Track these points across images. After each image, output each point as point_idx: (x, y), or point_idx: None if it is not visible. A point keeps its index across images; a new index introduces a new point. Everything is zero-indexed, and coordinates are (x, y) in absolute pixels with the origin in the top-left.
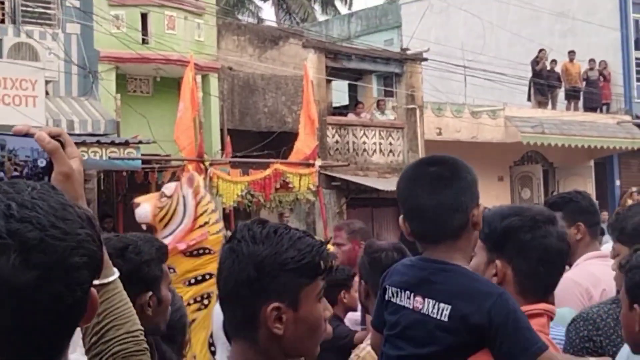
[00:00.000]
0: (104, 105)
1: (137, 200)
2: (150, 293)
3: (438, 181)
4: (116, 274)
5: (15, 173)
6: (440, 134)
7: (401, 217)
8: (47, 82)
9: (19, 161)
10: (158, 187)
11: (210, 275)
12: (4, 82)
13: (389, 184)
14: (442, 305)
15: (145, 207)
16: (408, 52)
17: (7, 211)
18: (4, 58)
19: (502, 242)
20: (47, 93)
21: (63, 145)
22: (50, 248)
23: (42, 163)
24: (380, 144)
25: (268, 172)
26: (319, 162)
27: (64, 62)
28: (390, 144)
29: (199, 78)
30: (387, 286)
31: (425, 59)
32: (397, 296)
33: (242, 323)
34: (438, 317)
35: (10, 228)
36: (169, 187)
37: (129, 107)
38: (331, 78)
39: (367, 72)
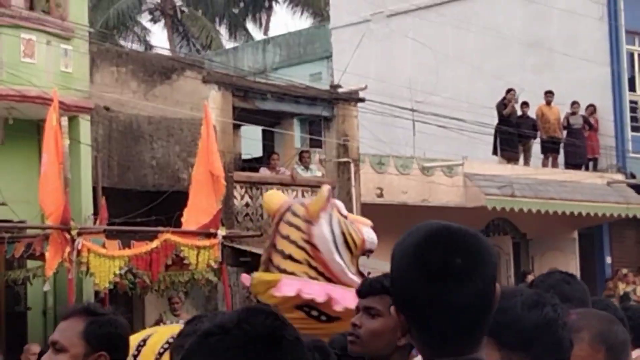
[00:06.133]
0: None
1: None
2: None
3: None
4: None
5: None
6: (381, 195)
7: (395, 317)
8: None
9: None
10: (8, 263)
11: None
12: None
13: None
14: None
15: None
16: (340, 90)
17: None
18: None
19: (529, 341)
20: None
21: None
22: None
23: None
24: None
25: (156, 244)
26: (222, 232)
27: None
28: None
29: (64, 120)
30: None
31: (363, 100)
32: None
33: None
34: None
35: None
36: None
37: None
38: (240, 122)
39: (288, 116)
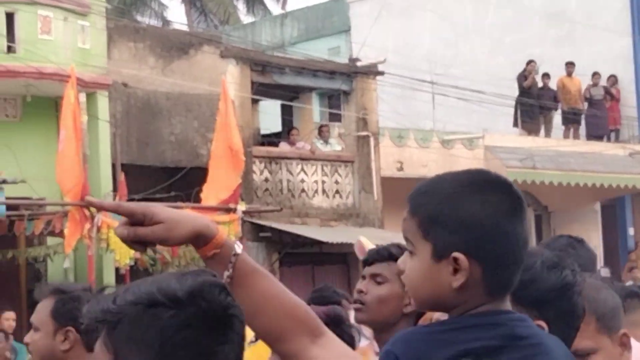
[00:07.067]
0: None
1: None
2: None
3: (523, 213)
4: None
5: None
6: (401, 168)
7: (465, 264)
8: None
9: None
10: (27, 240)
11: None
12: None
13: (335, 234)
14: None
15: None
16: (359, 63)
17: None
18: None
19: (545, 302)
20: None
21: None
22: None
23: None
24: (323, 182)
25: None
26: (242, 207)
27: None
28: (337, 182)
29: (82, 97)
30: None
31: (382, 73)
32: None
33: None
34: None
35: None
36: None
37: None
38: (259, 97)
39: (306, 90)
